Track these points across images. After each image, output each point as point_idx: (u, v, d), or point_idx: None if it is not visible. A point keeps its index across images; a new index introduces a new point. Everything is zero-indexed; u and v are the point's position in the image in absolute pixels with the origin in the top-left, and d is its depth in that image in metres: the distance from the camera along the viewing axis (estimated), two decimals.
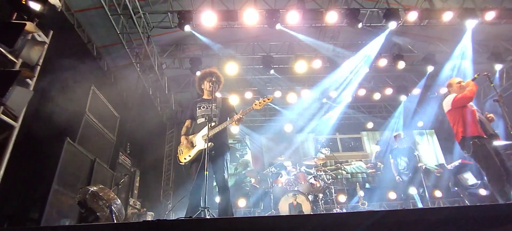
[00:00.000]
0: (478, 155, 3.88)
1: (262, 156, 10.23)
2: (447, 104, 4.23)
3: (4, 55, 3.52)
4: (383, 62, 8.06)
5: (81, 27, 6.36)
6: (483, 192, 6.70)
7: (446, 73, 8.64)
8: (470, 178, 7.27)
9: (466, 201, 7.11)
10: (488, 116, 4.19)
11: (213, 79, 3.73)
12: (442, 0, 6.77)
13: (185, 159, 3.55)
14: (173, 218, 4.83)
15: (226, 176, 3.42)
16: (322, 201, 6.19)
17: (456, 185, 7.72)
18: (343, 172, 8.27)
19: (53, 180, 4.05)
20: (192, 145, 3.55)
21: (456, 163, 7.93)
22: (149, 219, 5.31)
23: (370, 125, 10.84)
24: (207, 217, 2.99)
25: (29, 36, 3.78)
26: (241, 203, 7.29)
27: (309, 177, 6.37)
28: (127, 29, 6.32)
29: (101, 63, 7.20)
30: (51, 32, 4.21)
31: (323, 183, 6.29)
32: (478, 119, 4.03)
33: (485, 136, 3.88)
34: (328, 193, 6.40)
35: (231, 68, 7.78)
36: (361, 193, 7.56)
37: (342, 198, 7.51)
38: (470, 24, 6.44)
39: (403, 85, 9.59)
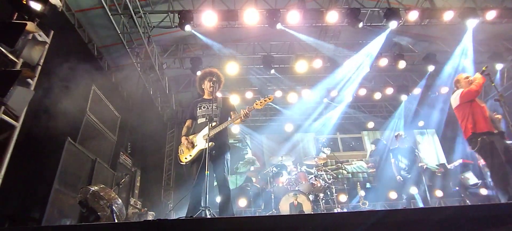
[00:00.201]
0: (485, 152, 3.81)
1: (263, 156, 10.23)
2: (455, 100, 4.16)
3: (5, 55, 3.53)
4: (383, 62, 8.05)
5: (82, 27, 6.36)
6: (484, 191, 6.69)
7: (446, 72, 8.63)
8: (471, 178, 7.26)
9: (467, 201, 7.10)
10: (496, 116, 4.12)
11: (213, 79, 3.73)
12: None
13: (185, 158, 3.55)
14: (174, 218, 4.84)
15: (226, 175, 3.42)
16: (323, 201, 6.19)
17: (457, 185, 7.71)
18: (344, 171, 8.27)
19: (54, 179, 4.06)
20: (192, 145, 3.55)
21: (457, 162, 7.93)
22: (150, 219, 5.31)
23: (371, 125, 10.83)
24: (208, 216, 2.99)
25: (30, 36, 3.79)
26: (242, 202, 7.29)
27: (310, 176, 6.37)
28: (128, 29, 6.32)
29: (101, 63, 7.21)
30: (52, 32, 4.22)
31: (323, 182, 6.29)
32: (489, 115, 3.95)
33: (495, 132, 3.81)
34: (328, 193, 6.40)
35: (232, 68, 7.78)
36: (362, 193, 7.55)
37: (342, 197, 7.50)
38: (471, 23, 6.43)
39: (403, 85, 9.58)
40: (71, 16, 6.00)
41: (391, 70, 9.07)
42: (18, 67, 3.69)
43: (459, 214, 2.10)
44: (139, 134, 7.78)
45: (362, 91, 9.58)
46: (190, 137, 3.64)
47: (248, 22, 6.22)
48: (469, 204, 6.76)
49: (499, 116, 4.10)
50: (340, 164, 8.02)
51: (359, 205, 7.27)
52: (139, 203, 6.67)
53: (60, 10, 4.60)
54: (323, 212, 5.70)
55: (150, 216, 6.39)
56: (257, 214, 6.96)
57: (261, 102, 3.55)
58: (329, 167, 6.95)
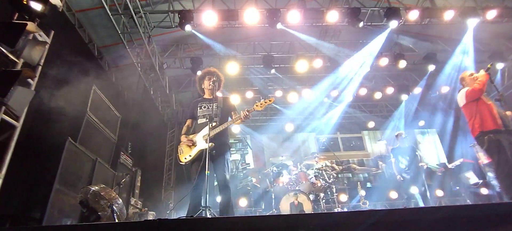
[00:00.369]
0: (491, 149, 3.78)
1: (263, 155, 10.23)
2: (461, 99, 4.14)
3: (6, 55, 3.53)
4: (384, 61, 8.04)
5: (82, 27, 6.37)
6: (484, 191, 6.67)
7: (447, 72, 8.62)
8: (471, 177, 7.25)
9: (468, 200, 7.08)
10: (507, 112, 4.03)
11: (213, 78, 3.74)
12: None
13: (185, 158, 3.55)
14: (175, 218, 4.84)
15: (227, 175, 3.42)
16: (323, 200, 6.19)
17: (458, 184, 7.70)
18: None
19: (55, 179, 4.06)
20: (192, 145, 3.55)
21: (458, 162, 7.91)
22: (151, 219, 5.31)
23: (371, 124, 10.83)
24: (208, 216, 2.99)
25: (31, 36, 3.79)
26: (242, 202, 7.28)
27: (310, 176, 6.37)
28: (128, 29, 6.32)
29: (102, 63, 7.21)
30: (52, 32, 4.23)
31: (324, 182, 6.29)
32: (497, 113, 3.91)
33: (503, 129, 3.76)
34: (329, 192, 6.39)
35: (232, 68, 7.78)
36: (362, 192, 7.53)
37: (343, 197, 7.48)
38: (472, 23, 6.42)
39: (404, 84, 9.57)
40: (72, 16, 6.01)
41: (392, 69, 9.07)
42: (18, 67, 3.69)
43: (460, 213, 2.10)
44: (140, 133, 7.78)
45: (363, 91, 9.58)
46: (190, 136, 3.64)
47: (249, 22, 6.22)
48: (470, 203, 6.75)
49: (509, 113, 4.01)
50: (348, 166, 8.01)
51: (360, 204, 7.25)
52: (140, 203, 6.67)
53: (60, 10, 4.60)
54: (323, 212, 5.70)
55: (151, 216, 6.40)
56: (257, 214, 6.95)
57: (261, 104, 3.55)
58: (335, 171, 6.90)
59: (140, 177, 7.06)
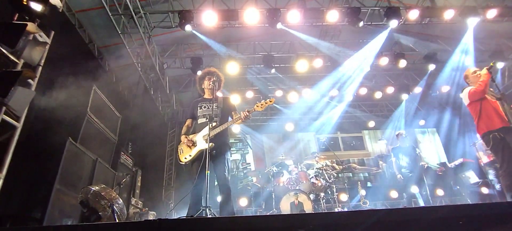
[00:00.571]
0: (496, 148, 3.77)
1: (264, 155, 10.24)
2: (465, 98, 4.12)
3: (6, 55, 3.53)
4: (384, 61, 8.04)
5: (82, 27, 6.37)
6: (485, 190, 6.67)
7: (447, 71, 8.62)
8: (472, 177, 7.25)
9: (468, 200, 7.09)
10: None
11: (213, 78, 3.74)
12: None
13: (185, 158, 3.55)
14: (175, 217, 4.84)
15: (227, 175, 3.42)
16: (324, 200, 6.19)
17: (458, 184, 7.70)
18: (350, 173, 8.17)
19: (55, 179, 4.07)
20: (192, 145, 3.55)
21: (458, 161, 7.91)
22: (151, 219, 5.32)
23: (371, 124, 10.82)
24: (208, 216, 3.00)
25: (31, 37, 3.79)
26: (243, 202, 7.29)
27: (311, 176, 6.37)
28: (128, 29, 6.33)
29: (102, 63, 7.22)
30: (53, 32, 4.22)
31: (324, 182, 6.29)
32: (502, 110, 3.88)
33: (509, 126, 3.73)
34: (329, 192, 6.39)
35: (232, 68, 7.79)
36: (362, 192, 7.54)
37: (343, 197, 7.50)
38: (472, 22, 6.41)
39: (404, 84, 9.57)
40: (72, 16, 6.02)
41: (392, 69, 9.07)
42: (19, 67, 3.69)
43: (460, 213, 2.10)
44: (140, 133, 7.78)
45: (363, 90, 9.59)
46: (190, 136, 3.64)
47: (249, 21, 6.22)
48: (470, 202, 6.75)
49: None
50: (349, 165, 8.04)
51: (360, 204, 7.25)
52: (140, 202, 6.68)
53: (60, 11, 4.60)
54: (324, 212, 5.71)
55: (151, 215, 6.40)
56: (257, 214, 6.96)
57: (262, 105, 3.56)
58: (335, 171, 6.89)
59: (140, 177, 7.06)
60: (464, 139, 9.38)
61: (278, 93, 9.33)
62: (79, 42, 6.33)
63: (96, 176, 4.98)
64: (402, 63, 7.80)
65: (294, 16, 6.18)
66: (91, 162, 5.06)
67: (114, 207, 3.62)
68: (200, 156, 3.34)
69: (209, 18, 6.08)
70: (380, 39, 7.53)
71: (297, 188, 5.87)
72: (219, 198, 3.51)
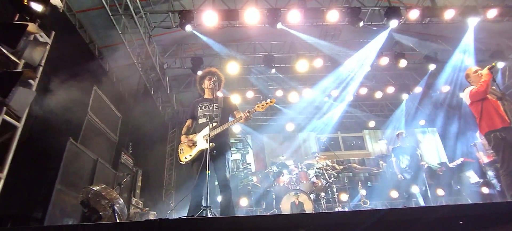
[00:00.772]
0: (497, 147, 3.78)
1: (264, 155, 10.24)
2: (466, 98, 4.13)
3: (7, 56, 3.54)
4: (384, 61, 8.04)
5: (82, 27, 6.38)
6: (485, 190, 6.67)
7: (447, 71, 8.61)
8: (472, 177, 7.24)
9: (469, 200, 7.08)
10: None
11: (214, 79, 3.75)
12: None
13: (185, 158, 3.56)
14: (175, 217, 4.85)
15: (227, 175, 3.43)
16: (324, 200, 6.19)
17: (459, 184, 7.69)
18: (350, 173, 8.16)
19: (56, 179, 4.08)
20: (193, 145, 3.55)
21: (459, 161, 7.90)
22: (151, 218, 5.32)
23: (372, 124, 10.82)
24: (209, 216, 3.00)
25: (31, 37, 3.79)
26: (243, 202, 7.29)
27: (311, 175, 6.37)
28: (129, 29, 6.34)
29: (103, 63, 7.22)
30: (53, 33, 4.23)
31: (325, 182, 6.29)
32: (503, 110, 3.89)
33: (510, 126, 3.75)
34: (330, 192, 6.39)
35: (232, 68, 7.79)
36: (363, 192, 7.54)
37: (344, 196, 7.49)
38: (472, 22, 6.41)
39: (404, 84, 9.57)
40: (72, 16, 6.02)
41: (392, 69, 9.07)
42: (19, 68, 3.69)
43: (460, 212, 2.10)
44: (140, 133, 7.79)
45: (363, 90, 9.58)
46: (191, 136, 3.64)
47: (249, 21, 6.22)
48: (471, 202, 6.75)
49: None
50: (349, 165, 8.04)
51: (361, 204, 7.25)
52: (141, 202, 6.69)
53: (61, 11, 4.60)
54: (324, 211, 5.71)
55: (152, 215, 6.41)
56: (258, 214, 6.96)
57: (262, 105, 3.56)
58: (336, 171, 6.89)
59: (141, 177, 7.08)
60: (464, 139, 9.36)
61: (279, 93, 9.33)
62: (79, 42, 6.33)
63: (96, 176, 4.99)
64: (403, 63, 7.79)
65: (294, 16, 6.18)
66: (92, 162, 5.07)
67: (115, 207, 3.62)
68: (201, 156, 3.34)
69: (209, 18, 6.08)
70: (380, 39, 7.52)
71: (298, 188, 5.87)
72: (219, 198, 3.52)
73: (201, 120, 3.66)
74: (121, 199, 3.83)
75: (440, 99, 10.16)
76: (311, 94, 9.50)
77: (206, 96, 3.88)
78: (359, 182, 8.28)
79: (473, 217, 2.06)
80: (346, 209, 6.77)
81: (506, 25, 7.15)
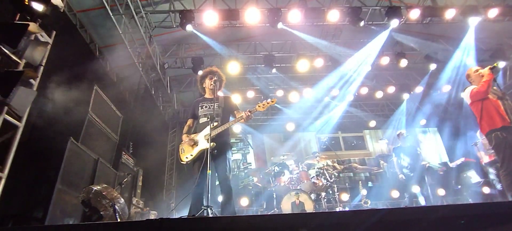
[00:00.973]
0: (498, 147, 3.78)
1: (265, 155, 10.24)
2: (467, 98, 4.13)
3: (8, 55, 3.55)
4: (385, 61, 8.03)
5: (83, 27, 6.39)
6: (486, 190, 6.66)
7: (448, 71, 8.60)
8: (473, 176, 7.24)
9: (470, 199, 7.07)
10: None
11: (215, 78, 3.75)
12: None
13: (186, 157, 3.56)
14: (176, 217, 4.85)
15: (228, 174, 3.43)
16: (325, 200, 6.19)
17: (460, 183, 7.68)
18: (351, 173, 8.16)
19: (57, 179, 4.08)
20: (194, 144, 3.56)
21: (459, 161, 7.90)
22: (152, 218, 5.33)
23: (372, 123, 10.80)
24: (210, 215, 3.00)
25: (32, 37, 3.80)
26: (244, 201, 7.29)
27: (312, 175, 6.37)
28: (129, 29, 6.34)
29: (103, 63, 7.23)
30: (54, 32, 4.23)
31: (325, 181, 6.29)
32: (504, 109, 3.89)
33: (510, 125, 3.74)
34: (330, 192, 6.39)
35: (233, 68, 7.79)
36: (363, 192, 7.54)
37: (344, 196, 7.49)
38: (473, 21, 6.40)
39: (405, 84, 9.56)
40: (73, 16, 6.03)
41: (393, 68, 9.06)
42: (20, 67, 3.70)
43: (461, 212, 2.10)
44: (141, 133, 7.80)
45: (364, 90, 9.57)
46: (192, 135, 3.64)
47: (249, 21, 6.23)
48: (472, 202, 6.74)
49: None
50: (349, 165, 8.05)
51: (361, 204, 7.25)
52: (142, 202, 6.69)
53: (62, 11, 4.60)
54: (325, 211, 5.70)
55: (152, 215, 6.42)
56: (259, 213, 6.96)
57: (263, 105, 3.56)
58: (336, 170, 6.89)
59: (141, 177, 7.08)
60: (465, 139, 9.35)
61: (279, 93, 9.33)
62: (80, 42, 6.34)
63: (97, 176, 5.00)
64: (403, 62, 7.79)
65: (295, 16, 6.18)
66: (93, 162, 5.08)
67: (116, 206, 3.63)
68: (202, 155, 3.35)
69: (210, 18, 6.08)
70: (381, 39, 7.51)
71: (298, 187, 5.88)
72: (220, 198, 3.52)
73: (202, 120, 3.66)
74: (122, 199, 3.84)
75: (441, 99, 10.14)
76: (312, 94, 9.50)
77: (207, 96, 3.88)
78: (360, 182, 8.29)
79: (474, 217, 2.06)
80: (347, 209, 6.77)
81: (507, 24, 7.14)
